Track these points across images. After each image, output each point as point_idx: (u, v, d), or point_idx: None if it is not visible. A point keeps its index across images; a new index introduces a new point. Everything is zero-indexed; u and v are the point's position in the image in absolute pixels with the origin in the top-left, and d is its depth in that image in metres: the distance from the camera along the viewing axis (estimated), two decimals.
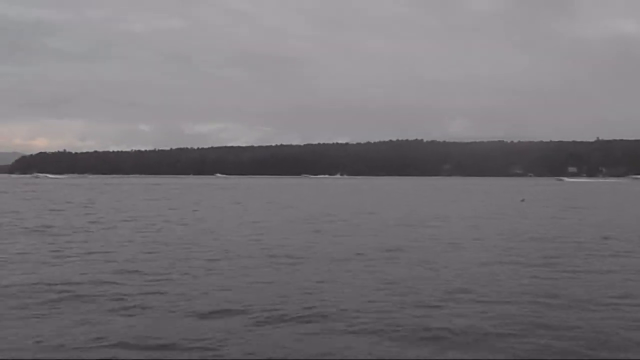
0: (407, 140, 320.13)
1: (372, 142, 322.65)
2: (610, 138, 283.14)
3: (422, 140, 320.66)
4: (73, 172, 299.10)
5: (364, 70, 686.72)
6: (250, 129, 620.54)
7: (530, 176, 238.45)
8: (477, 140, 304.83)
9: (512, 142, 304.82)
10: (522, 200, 58.64)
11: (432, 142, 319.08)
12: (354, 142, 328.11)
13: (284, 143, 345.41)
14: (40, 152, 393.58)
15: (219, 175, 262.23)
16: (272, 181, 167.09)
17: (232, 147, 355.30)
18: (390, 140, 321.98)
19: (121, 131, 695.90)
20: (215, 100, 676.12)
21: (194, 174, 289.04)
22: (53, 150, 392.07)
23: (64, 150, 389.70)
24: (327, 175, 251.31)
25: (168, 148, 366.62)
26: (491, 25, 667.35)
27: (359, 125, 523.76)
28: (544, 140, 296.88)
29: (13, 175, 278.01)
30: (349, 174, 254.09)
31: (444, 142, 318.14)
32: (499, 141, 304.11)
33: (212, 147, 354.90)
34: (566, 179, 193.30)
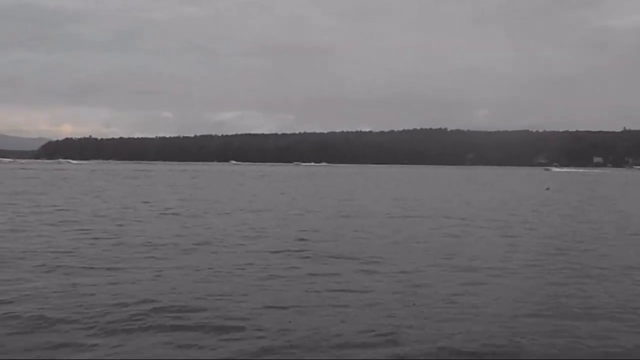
0: (430, 129, 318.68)
1: (396, 130, 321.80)
2: (638, 128, 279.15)
3: (445, 129, 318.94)
4: (98, 158, 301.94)
5: (387, 59, 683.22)
6: (272, 117, 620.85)
7: (556, 166, 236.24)
8: (502, 130, 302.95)
9: (537, 131, 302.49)
10: (547, 189, 58.32)
11: (456, 131, 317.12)
12: (377, 131, 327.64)
13: (307, 131, 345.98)
14: (66, 138, 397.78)
15: (233, 162, 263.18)
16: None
17: (255, 134, 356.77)
18: (414, 129, 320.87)
19: (145, 118, 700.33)
20: (237, 89, 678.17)
21: (217, 161, 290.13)
22: (78, 137, 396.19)
23: (90, 136, 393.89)
24: (323, 163, 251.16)
25: (192, 135, 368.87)
26: (516, 14, 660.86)
27: (382, 114, 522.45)
28: (570, 130, 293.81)
29: (38, 160, 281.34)
30: (372, 163, 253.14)
31: (468, 131, 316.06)
32: (524, 131, 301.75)
33: (235, 135, 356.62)
34: (554, 168, 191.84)
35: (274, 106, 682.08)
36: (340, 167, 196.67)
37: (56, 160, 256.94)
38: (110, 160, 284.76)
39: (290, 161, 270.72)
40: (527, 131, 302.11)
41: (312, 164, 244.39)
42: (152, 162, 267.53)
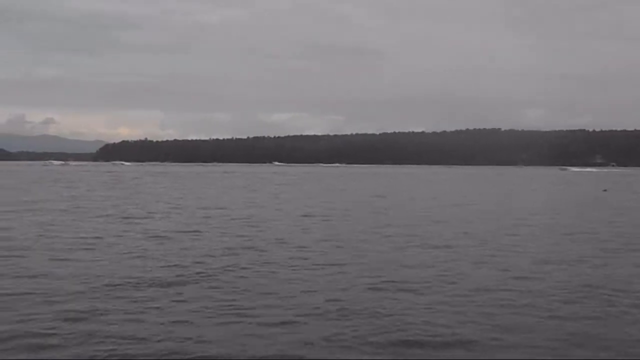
0: (484, 129, 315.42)
1: (448, 131, 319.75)
2: None
3: (499, 129, 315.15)
4: (154, 160, 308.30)
5: (438, 59, 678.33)
6: (324, 118, 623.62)
7: (613, 165, 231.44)
8: (556, 129, 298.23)
9: (593, 130, 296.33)
10: (605, 190, 57.97)
11: (510, 131, 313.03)
12: (430, 131, 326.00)
13: (359, 132, 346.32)
14: (123, 141, 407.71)
15: (276, 163, 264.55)
16: (356, 170, 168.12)
17: (307, 135, 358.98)
18: (467, 129, 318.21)
19: (199, 120, 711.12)
20: (289, 91, 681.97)
21: (269, 162, 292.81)
22: (135, 139, 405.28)
23: (145, 138, 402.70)
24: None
25: (245, 136, 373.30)
26: (571, 12, 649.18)
27: (435, 115, 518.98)
28: (628, 129, 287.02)
29: (93, 163, 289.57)
30: (425, 163, 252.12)
31: (522, 131, 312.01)
32: (580, 130, 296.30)
33: (288, 136, 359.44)
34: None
35: (326, 107, 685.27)
36: (398, 168, 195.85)
37: (110, 162, 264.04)
38: (165, 162, 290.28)
39: (341, 162, 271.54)
40: (583, 130, 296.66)
41: (365, 165, 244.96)
42: (208, 163, 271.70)
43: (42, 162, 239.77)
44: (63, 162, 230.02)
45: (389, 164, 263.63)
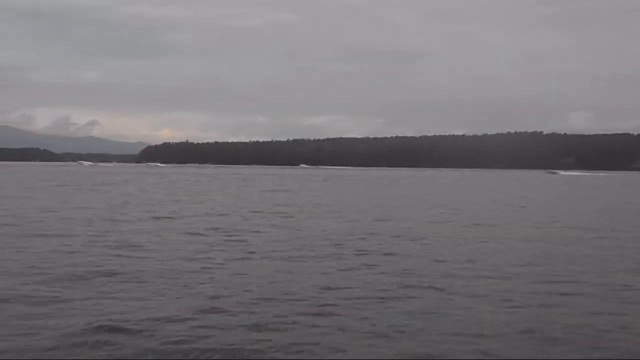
0: (525, 132, 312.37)
1: (489, 134, 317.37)
2: None
3: (541, 132, 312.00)
4: (194, 162, 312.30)
5: (479, 62, 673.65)
6: (363, 121, 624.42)
7: None
8: (600, 133, 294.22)
9: (639, 135, 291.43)
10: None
11: (552, 134, 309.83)
12: (470, 134, 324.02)
13: (398, 135, 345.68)
14: (164, 142, 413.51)
15: (303, 165, 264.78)
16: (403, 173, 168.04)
17: (347, 138, 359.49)
18: (508, 132, 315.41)
19: (240, 123, 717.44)
20: (329, 93, 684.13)
21: (306, 165, 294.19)
22: (176, 141, 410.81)
23: (186, 140, 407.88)
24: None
25: (285, 139, 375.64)
26: (614, 14, 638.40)
27: (475, 118, 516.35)
28: None
29: (130, 164, 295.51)
30: (465, 167, 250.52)
31: (565, 134, 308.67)
32: (625, 134, 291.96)
33: (327, 139, 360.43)
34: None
35: (366, 110, 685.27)
36: (439, 172, 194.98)
37: (144, 164, 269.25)
38: (205, 165, 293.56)
39: (381, 165, 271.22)
40: (628, 134, 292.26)
41: (405, 168, 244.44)
42: (249, 165, 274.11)
43: (76, 163, 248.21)
44: (92, 163, 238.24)
45: (428, 167, 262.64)
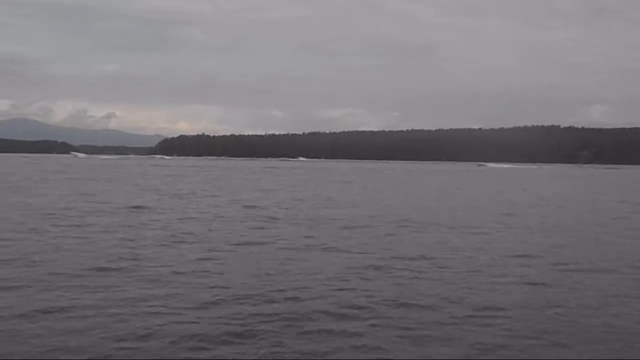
0: (542, 126, 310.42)
1: (506, 127, 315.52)
2: None
3: (558, 126, 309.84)
4: (211, 155, 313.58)
5: (497, 55, 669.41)
6: (379, 114, 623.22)
7: None
8: (619, 127, 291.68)
9: None
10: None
11: (569, 128, 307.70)
12: (487, 128, 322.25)
13: (414, 128, 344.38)
14: (181, 135, 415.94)
15: (301, 158, 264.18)
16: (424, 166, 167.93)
17: (363, 131, 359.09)
18: (525, 126, 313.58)
19: (256, 116, 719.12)
20: (345, 87, 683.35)
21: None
22: (193, 134, 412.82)
23: (203, 133, 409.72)
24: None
25: (300, 132, 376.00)
26: (633, 6, 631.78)
27: (492, 111, 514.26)
28: None
29: (134, 156, 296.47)
30: (482, 160, 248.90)
31: (582, 128, 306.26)
32: None
33: (343, 132, 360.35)
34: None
35: (382, 103, 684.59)
36: (460, 165, 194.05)
37: (150, 156, 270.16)
38: (222, 157, 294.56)
39: (397, 159, 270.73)
40: None
41: (424, 161, 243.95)
42: (263, 158, 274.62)
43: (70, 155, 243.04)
44: (85, 155, 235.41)
45: (444, 160, 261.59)
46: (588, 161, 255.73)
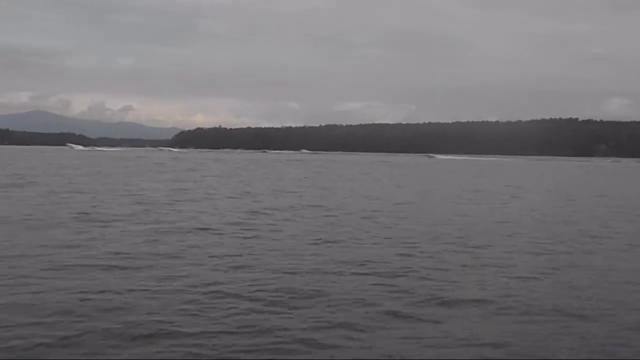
0: (560, 119, 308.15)
1: (523, 120, 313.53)
2: None
3: (576, 119, 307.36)
4: (227, 147, 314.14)
5: (514, 47, 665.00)
6: (396, 107, 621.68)
7: None
8: (637, 120, 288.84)
9: None
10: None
11: (588, 121, 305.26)
12: (504, 121, 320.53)
13: (431, 121, 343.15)
14: (198, 128, 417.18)
15: (304, 151, 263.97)
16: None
17: (379, 124, 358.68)
18: (542, 119, 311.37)
19: (273, 108, 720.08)
20: (362, 79, 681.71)
21: (341, 151, 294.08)
22: (209, 127, 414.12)
23: (219, 126, 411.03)
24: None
25: (317, 125, 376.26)
26: None
27: (510, 104, 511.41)
28: None
29: (140, 148, 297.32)
30: (499, 153, 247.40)
31: (601, 121, 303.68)
32: None
33: (359, 124, 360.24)
34: (438, 155, 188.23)
35: (398, 96, 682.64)
36: (478, 158, 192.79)
37: (157, 148, 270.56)
38: (238, 150, 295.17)
39: (414, 151, 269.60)
40: None
41: (442, 156, 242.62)
42: (280, 151, 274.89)
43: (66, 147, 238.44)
44: (83, 147, 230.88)
45: (461, 153, 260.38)
46: (606, 154, 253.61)
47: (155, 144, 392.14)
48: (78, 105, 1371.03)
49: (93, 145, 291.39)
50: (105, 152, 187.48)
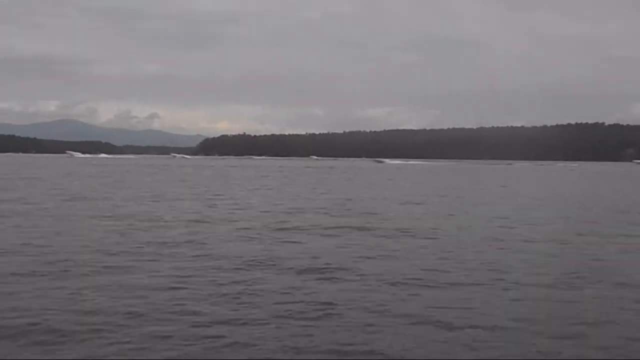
0: (586, 123, 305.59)
1: (549, 125, 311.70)
2: None
3: (602, 123, 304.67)
4: (251, 154, 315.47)
5: (540, 51, 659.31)
6: (420, 112, 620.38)
7: None
8: None
9: None
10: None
11: (614, 125, 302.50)
12: (529, 126, 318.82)
13: (456, 126, 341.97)
14: (222, 135, 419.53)
15: (313, 157, 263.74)
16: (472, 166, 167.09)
17: (403, 130, 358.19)
18: (568, 124, 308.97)
19: (297, 115, 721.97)
20: (386, 85, 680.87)
21: (365, 157, 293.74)
22: (233, 134, 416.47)
23: (244, 133, 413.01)
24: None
25: (341, 131, 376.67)
26: None
27: (535, 108, 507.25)
28: None
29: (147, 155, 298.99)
30: (524, 159, 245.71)
31: (628, 125, 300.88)
32: None
33: (384, 130, 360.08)
34: (387, 160, 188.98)
35: (422, 101, 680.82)
36: (506, 164, 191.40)
37: (170, 155, 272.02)
38: (262, 156, 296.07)
39: (436, 157, 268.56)
40: None
41: (466, 160, 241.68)
42: (304, 157, 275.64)
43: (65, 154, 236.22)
44: (82, 155, 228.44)
45: (486, 159, 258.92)
46: (633, 159, 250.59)
47: (181, 151, 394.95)
48: (105, 113, 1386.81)
49: (118, 153, 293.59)
50: (107, 159, 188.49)
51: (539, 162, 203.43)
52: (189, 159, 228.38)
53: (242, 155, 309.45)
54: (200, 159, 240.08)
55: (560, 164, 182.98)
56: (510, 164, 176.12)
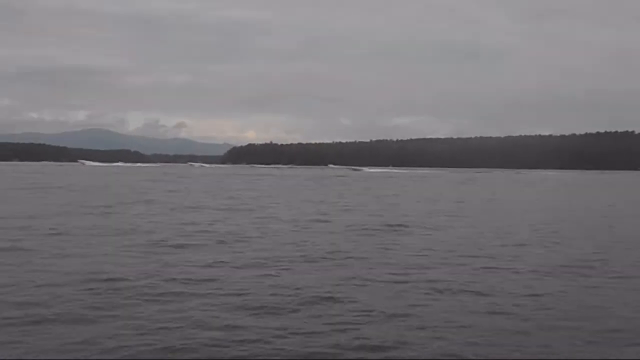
0: (615, 132, 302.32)
1: (577, 134, 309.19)
2: None
3: (632, 132, 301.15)
4: (278, 163, 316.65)
5: (568, 59, 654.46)
6: (447, 121, 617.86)
7: None
8: None
9: None
10: None
11: None
12: (557, 134, 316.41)
13: (484, 135, 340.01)
14: (249, 144, 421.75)
15: (331, 165, 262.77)
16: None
17: (430, 139, 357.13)
18: (597, 133, 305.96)
19: (324, 124, 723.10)
20: (412, 94, 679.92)
21: (393, 165, 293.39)
22: (261, 143, 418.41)
23: (271, 142, 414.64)
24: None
25: (367, 140, 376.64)
26: None
27: (563, 117, 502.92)
28: None
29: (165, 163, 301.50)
30: (554, 168, 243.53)
31: None
32: None
33: (410, 139, 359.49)
34: (366, 168, 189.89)
35: (449, 110, 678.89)
36: (538, 173, 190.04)
37: (188, 164, 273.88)
38: (289, 165, 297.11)
39: (464, 167, 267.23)
40: None
41: (497, 169, 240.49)
42: (335, 166, 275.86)
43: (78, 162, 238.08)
44: (93, 163, 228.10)
45: (515, 168, 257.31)
46: None
47: (208, 160, 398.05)
48: (133, 122, 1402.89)
49: (146, 162, 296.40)
50: (118, 167, 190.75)
51: (566, 171, 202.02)
52: (207, 167, 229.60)
53: (269, 164, 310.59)
54: (222, 167, 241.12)
55: (591, 173, 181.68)
56: (543, 173, 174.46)
